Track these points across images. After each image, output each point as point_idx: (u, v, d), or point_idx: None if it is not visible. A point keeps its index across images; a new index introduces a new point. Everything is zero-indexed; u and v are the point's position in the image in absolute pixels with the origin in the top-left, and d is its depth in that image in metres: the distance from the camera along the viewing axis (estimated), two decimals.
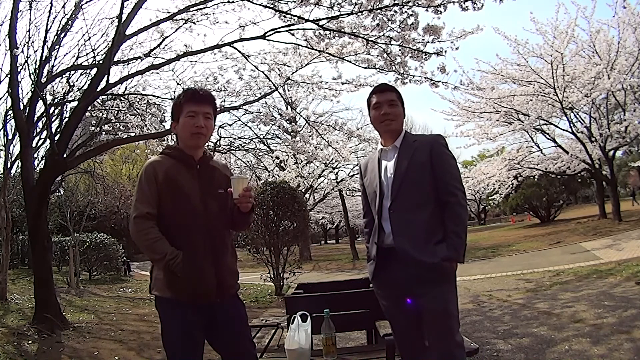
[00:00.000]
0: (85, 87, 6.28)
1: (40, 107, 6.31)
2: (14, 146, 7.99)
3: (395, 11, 4.79)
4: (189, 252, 1.68)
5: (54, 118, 7.58)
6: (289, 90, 8.02)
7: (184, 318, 1.69)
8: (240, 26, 5.71)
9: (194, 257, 1.69)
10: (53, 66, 6.68)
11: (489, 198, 20.45)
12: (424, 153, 1.91)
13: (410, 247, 1.82)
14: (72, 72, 7.06)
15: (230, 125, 10.36)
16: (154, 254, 1.68)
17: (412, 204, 1.87)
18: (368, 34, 5.14)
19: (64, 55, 16.48)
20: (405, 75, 5.53)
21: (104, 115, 8.56)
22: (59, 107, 7.38)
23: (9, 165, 8.03)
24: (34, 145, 7.59)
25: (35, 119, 6.49)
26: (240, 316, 1.84)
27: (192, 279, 1.68)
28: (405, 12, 4.76)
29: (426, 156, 1.90)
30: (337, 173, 19.10)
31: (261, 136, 12.03)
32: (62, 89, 6.88)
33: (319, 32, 5.31)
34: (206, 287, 1.71)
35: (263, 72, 6.64)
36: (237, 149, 11.00)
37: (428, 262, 1.79)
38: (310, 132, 8.29)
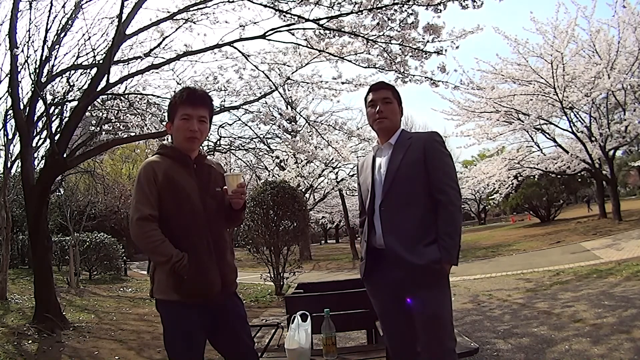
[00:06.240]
0: (85, 86, 6.28)
1: (40, 107, 6.30)
2: (14, 146, 8.01)
3: (395, 10, 4.79)
4: (194, 253, 1.67)
5: (54, 118, 7.57)
6: (289, 90, 8.01)
7: (188, 320, 1.67)
8: (240, 26, 5.71)
9: (200, 257, 1.68)
10: (53, 66, 6.66)
11: (489, 198, 20.44)
12: (417, 150, 1.85)
13: (399, 247, 1.77)
14: (72, 71, 7.05)
15: (230, 124, 10.33)
16: (158, 256, 1.65)
17: (403, 202, 1.82)
18: (368, 33, 5.14)
19: (64, 55, 16.43)
20: (406, 75, 5.53)
21: (104, 115, 8.56)
22: (59, 107, 7.37)
23: (9, 165, 8.04)
24: (34, 145, 7.58)
25: (35, 118, 6.47)
26: (241, 314, 1.84)
27: (199, 280, 1.67)
28: (405, 11, 4.77)
29: (420, 153, 1.84)
30: (337, 173, 19.10)
31: (261, 136, 12.00)
32: (62, 88, 6.88)
33: (319, 32, 5.31)
34: (213, 287, 1.71)
35: (263, 71, 6.64)
36: (237, 149, 11.00)
37: (417, 264, 1.73)
38: (310, 131, 8.28)
